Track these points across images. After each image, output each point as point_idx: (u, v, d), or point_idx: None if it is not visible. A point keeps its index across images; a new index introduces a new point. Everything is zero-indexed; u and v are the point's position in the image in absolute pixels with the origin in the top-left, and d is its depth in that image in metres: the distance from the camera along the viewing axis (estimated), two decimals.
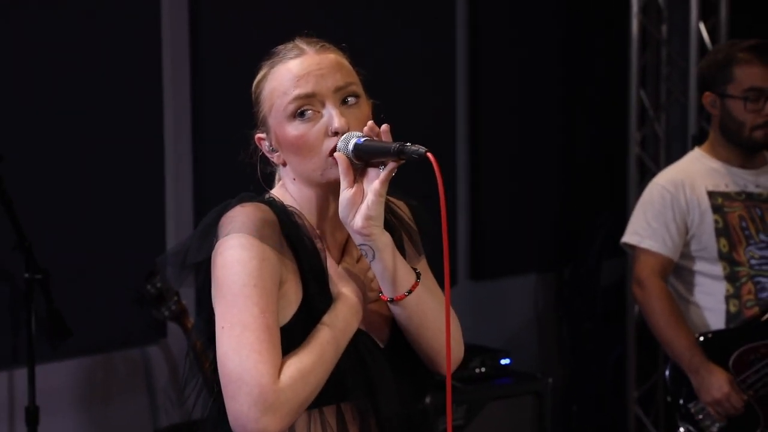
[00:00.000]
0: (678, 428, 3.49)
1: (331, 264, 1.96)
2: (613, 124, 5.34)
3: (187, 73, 4.14)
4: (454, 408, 4.16)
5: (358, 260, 2.00)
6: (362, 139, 1.91)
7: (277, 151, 1.98)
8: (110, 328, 3.93)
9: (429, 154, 1.86)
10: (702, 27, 5.11)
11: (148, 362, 4.08)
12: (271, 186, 2.07)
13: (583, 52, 5.41)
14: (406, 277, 1.97)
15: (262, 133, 2.00)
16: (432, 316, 1.99)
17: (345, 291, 1.95)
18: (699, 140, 4.95)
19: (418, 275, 1.99)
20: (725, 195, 3.53)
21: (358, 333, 1.95)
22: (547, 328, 5.38)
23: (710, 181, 3.55)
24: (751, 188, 3.56)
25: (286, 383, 1.81)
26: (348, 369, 1.91)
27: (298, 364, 1.83)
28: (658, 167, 5.23)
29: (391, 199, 2.08)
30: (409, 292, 1.97)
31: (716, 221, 3.50)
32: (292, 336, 1.87)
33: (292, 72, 1.95)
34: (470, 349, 4.40)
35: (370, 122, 1.93)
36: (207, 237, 1.91)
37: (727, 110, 3.51)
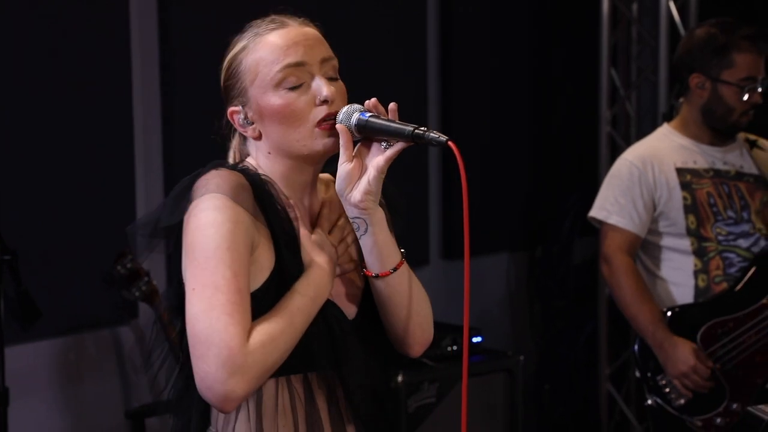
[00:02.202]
0: (646, 401, 3.52)
1: (303, 233, 1.96)
2: (583, 102, 5.35)
3: (155, 50, 4.11)
4: (425, 386, 4.17)
5: (329, 232, 2.01)
6: (368, 114, 1.93)
7: (252, 124, 1.98)
8: (80, 309, 3.91)
9: (451, 143, 1.88)
10: (672, 6, 5.11)
11: (118, 343, 4.07)
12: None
13: (554, 31, 5.42)
14: (393, 254, 1.99)
15: (237, 106, 1.99)
16: (412, 294, 2.02)
17: (318, 260, 1.95)
18: (669, 118, 4.98)
19: (403, 254, 2.01)
20: (694, 172, 3.55)
21: (327, 303, 1.96)
22: (519, 306, 5.40)
23: (679, 157, 3.57)
24: (719, 165, 3.57)
25: (255, 346, 1.81)
26: (315, 339, 1.92)
27: (267, 328, 1.84)
28: (629, 145, 5.20)
29: None
30: (395, 269, 1.99)
31: (685, 198, 3.52)
32: (263, 302, 1.88)
33: (280, 42, 1.95)
34: (442, 328, 4.42)
35: (374, 99, 1.94)
36: (179, 202, 1.90)
37: (717, 94, 3.50)
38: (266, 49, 1.95)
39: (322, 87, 1.94)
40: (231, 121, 2.00)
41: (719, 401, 3.43)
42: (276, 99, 1.94)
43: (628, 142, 5.26)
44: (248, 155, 2.04)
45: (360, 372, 1.97)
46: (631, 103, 5.35)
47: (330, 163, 2.00)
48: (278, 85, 1.94)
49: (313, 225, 2.02)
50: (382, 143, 1.93)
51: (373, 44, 4.60)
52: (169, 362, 2.04)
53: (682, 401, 3.43)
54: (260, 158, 2.00)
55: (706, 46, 3.52)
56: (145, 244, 1.95)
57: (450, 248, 5.06)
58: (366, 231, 1.96)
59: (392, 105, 1.94)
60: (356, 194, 1.93)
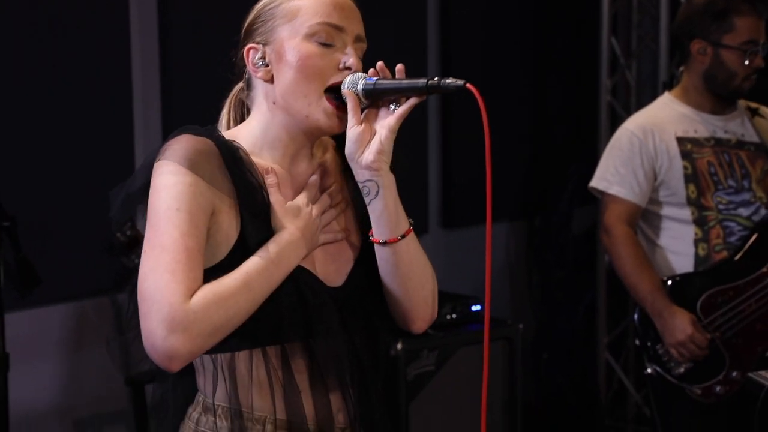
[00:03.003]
0: (646, 369, 3.52)
1: (277, 200, 1.93)
2: (584, 72, 5.33)
3: (154, 19, 4.09)
4: (424, 354, 4.18)
5: (315, 201, 1.98)
6: (374, 79, 1.92)
7: (267, 66, 1.96)
8: (80, 276, 3.91)
9: (470, 86, 1.87)
10: None
11: (119, 310, 4.07)
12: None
13: (554, 0, 5.39)
14: (402, 221, 1.97)
15: (257, 44, 1.97)
16: (417, 266, 2.00)
17: (289, 226, 1.92)
18: (670, 87, 4.97)
19: (411, 223, 1.99)
20: (694, 141, 3.54)
21: (303, 272, 1.93)
22: (518, 275, 5.41)
23: (679, 126, 3.56)
24: (720, 134, 3.57)
25: (198, 304, 1.79)
26: (286, 308, 1.90)
27: (215, 287, 1.82)
28: (629, 115, 5.19)
29: None
30: (403, 236, 1.96)
31: (685, 167, 3.51)
32: (228, 272, 1.85)
33: (331, 1, 1.95)
34: (441, 296, 4.36)
35: (381, 62, 1.93)
36: (148, 167, 1.90)
37: (719, 59, 3.50)
38: (317, 0, 1.95)
39: (351, 55, 1.94)
40: (245, 58, 1.98)
41: (719, 369, 3.44)
42: (304, 45, 1.92)
43: (628, 112, 5.25)
44: (248, 109, 2.02)
45: (336, 342, 1.94)
46: (631, 72, 5.34)
47: None
48: (312, 35, 1.93)
49: (298, 191, 1.99)
50: (391, 106, 1.93)
51: (371, 11, 4.57)
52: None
53: (682, 370, 3.44)
54: (262, 108, 1.97)
55: (705, 12, 3.52)
56: (120, 207, 1.96)
57: (449, 217, 5.06)
58: (377, 194, 1.93)
59: (399, 66, 1.93)
60: (368, 155, 1.91)
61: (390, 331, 2.07)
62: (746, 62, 3.46)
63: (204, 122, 2.02)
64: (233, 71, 2.05)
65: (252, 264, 1.86)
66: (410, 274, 1.99)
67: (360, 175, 1.94)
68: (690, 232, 3.52)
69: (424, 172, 4.96)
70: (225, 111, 2.07)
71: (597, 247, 5.24)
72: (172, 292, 1.78)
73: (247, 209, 1.90)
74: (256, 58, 1.97)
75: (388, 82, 1.92)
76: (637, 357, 5.22)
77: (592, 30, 5.18)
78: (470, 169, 5.11)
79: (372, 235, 1.98)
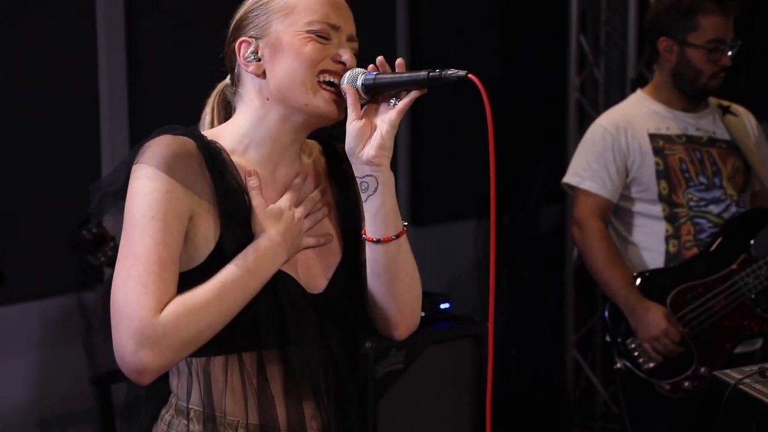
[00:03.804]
0: (615, 364, 3.53)
1: (259, 203, 1.91)
2: (552, 68, 5.33)
3: (121, 14, 4.06)
4: (393, 352, 4.17)
5: (298, 204, 1.96)
6: (374, 74, 1.91)
7: (259, 60, 1.94)
8: (45, 275, 3.88)
9: (471, 76, 1.86)
10: None
11: (84, 309, 4.03)
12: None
13: None
14: (397, 220, 1.95)
15: (250, 38, 1.94)
16: (407, 269, 1.98)
17: (270, 230, 1.90)
18: (638, 84, 4.98)
19: (405, 224, 1.97)
20: (666, 137, 3.56)
21: (284, 278, 1.91)
22: (486, 272, 5.38)
23: (652, 123, 3.57)
24: (692, 131, 3.58)
25: (168, 318, 1.77)
26: (263, 315, 1.87)
27: (187, 300, 1.79)
28: (598, 112, 5.24)
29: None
30: (397, 236, 1.94)
31: (657, 164, 3.52)
32: (207, 276, 1.83)
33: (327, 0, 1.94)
34: None
35: (381, 57, 1.92)
36: (126, 166, 1.88)
37: (685, 58, 3.51)
38: None
39: (347, 52, 1.93)
40: (236, 51, 1.96)
41: (688, 365, 3.44)
42: (301, 39, 1.91)
43: (597, 109, 5.27)
44: (234, 108, 1.99)
45: (313, 349, 1.91)
46: (599, 70, 5.35)
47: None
48: (308, 30, 1.91)
49: (282, 193, 1.96)
50: (391, 101, 1.91)
51: None
52: None
53: (651, 365, 3.45)
54: (253, 108, 1.95)
55: (672, 9, 3.53)
56: (97, 207, 1.93)
57: (419, 214, 5.05)
58: (375, 190, 1.91)
59: (399, 60, 1.92)
60: (369, 150, 1.90)
61: (370, 337, 2.04)
62: (712, 61, 3.47)
63: (172, 120, 2.00)
64: (219, 68, 2.02)
65: (227, 273, 1.83)
66: (399, 276, 1.96)
67: (360, 171, 1.92)
68: (661, 228, 3.53)
69: (393, 170, 4.94)
70: (209, 109, 2.04)
71: (565, 245, 5.25)
72: (142, 305, 1.76)
73: (227, 213, 1.87)
74: (248, 52, 1.94)
75: (388, 77, 1.91)
76: (604, 354, 5.24)
77: (560, 27, 5.19)
78: (439, 166, 5.12)
79: (365, 233, 1.95)
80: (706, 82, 3.51)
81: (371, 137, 1.90)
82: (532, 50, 5.42)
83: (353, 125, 1.90)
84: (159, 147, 1.83)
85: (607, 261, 3.50)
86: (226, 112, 2.03)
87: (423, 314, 4.26)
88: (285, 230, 1.91)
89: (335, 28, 1.93)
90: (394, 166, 5.25)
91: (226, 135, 1.95)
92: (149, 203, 1.80)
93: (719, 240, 3.48)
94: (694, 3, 3.48)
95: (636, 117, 3.58)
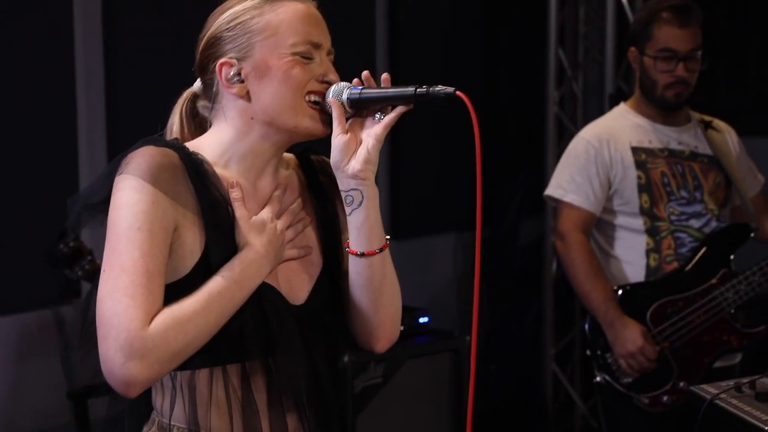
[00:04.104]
0: (595, 377, 3.53)
1: (242, 215, 1.90)
2: (531, 83, 5.35)
3: (98, 26, 4.05)
4: (371, 366, 4.15)
5: (279, 216, 1.96)
6: (359, 88, 1.91)
7: (242, 82, 1.92)
8: (22, 289, 3.85)
9: (459, 93, 1.86)
10: None
11: (61, 323, 4.01)
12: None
13: (502, 11, 5.40)
14: (380, 233, 1.95)
15: (231, 59, 1.93)
16: (389, 282, 1.98)
17: (254, 242, 1.89)
18: (616, 99, 4.99)
19: (387, 237, 1.97)
20: (648, 151, 3.57)
21: (267, 289, 1.91)
22: (466, 287, 5.40)
23: (634, 136, 3.58)
24: (674, 145, 3.60)
25: (156, 330, 1.76)
26: (248, 327, 1.87)
27: (175, 312, 1.78)
28: (576, 126, 5.26)
29: (323, 158, 2.05)
30: (380, 250, 1.94)
31: (639, 177, 3.54)
32: (192, 287, 1.83)
33: (304, 16, 1.94)
34: None
35: (366, 72, 1.92)
36: (108, 178, 1.87)
37: (644, 67, 3.56)
38: (292, 15, 1.93)
39: (331, 71, 1.94)
40: (218, 73, 1.94)
41: (667, 379, 3.45)
42: (286, 60, 1.90)
43: (575, 123, 5.28)
44: (209, 122, 1.98)
45: (297, 361, 1.91)
46: (578, 84, 5.37)
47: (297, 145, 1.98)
48: (293, 52, 1.91)
49: (263, 206, 1.96)
50: (376, 115, 1.91)
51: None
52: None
53: (630, 379, 3.45)
54: (235, 126, 1.94)
55: (637, 21, 3.63)
56: (76, 219, 1.92)
57: (398, 228, 5.05)
58: (360, 204, 1.91)
59: (385, 75, 1.92)
60: (355, 164, 1.90)
61: (352, 348, 2.05)
62: (664, 70, 3.49)
63: (150, 131, 1.99)
64: (192, 75, 2.02)
65: (214, 285, 1.83)
66: (382, 289, 1.97)
67: (345, 184, 1.92)
68: (642, 241, 3.53)
69: None
70: (176, 118, 2.03)
71: (544, 259, 5.25)
72: (130, 317, 1.75)
73: (211, 224, 1.87)
74: (231, 73, 1.93)
75: (373, 92, 1.91)
76: (583, 368, 5.24)
77: (539, 41, 5.20)
78: (419, 181, 5.12)
79: (348, 246, 1.96)
80: (661, 92, 3.54)
81: (356, 151, 1.91)
82: (511, 64, 5.43)
83: (338, 139, 1.90)
84: (143, 158, 1.83)
85: (588, 274, 3.51)
86: (195, 122, 2.02)
87: (402, 328, 4.28)
88: (268, 242, 1.91)
89: (317, 45, 1.93)
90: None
91: (206, 148, 1.94)
92: (135, 214, 1.79)
93: (699, 254, 3.49)
94: (651, 13, 3.54)
95: (619, 130, 3.59)
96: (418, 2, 5.05)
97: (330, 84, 1.92)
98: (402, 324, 4.35)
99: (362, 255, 1.94)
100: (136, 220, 1.79)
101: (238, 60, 1.92)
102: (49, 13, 3.90)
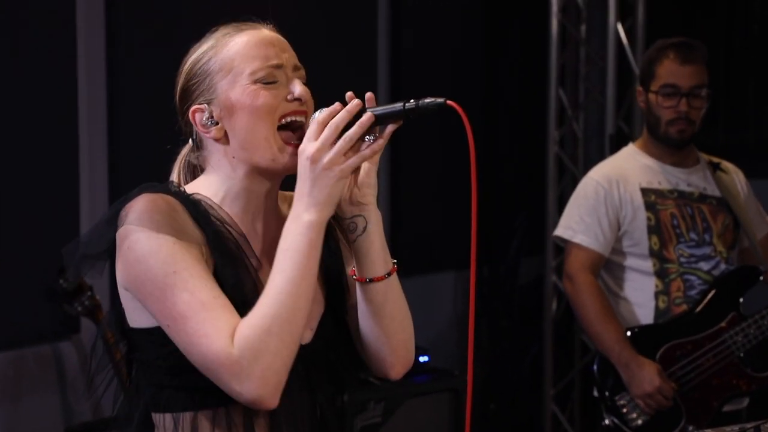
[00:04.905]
0: (603, 420, 3.50)
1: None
2: (531, 122, 5.36)
3: (102, 67, 4.06)
4: (371, 405, 4.14)
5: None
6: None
7: (217, 124, 1.91)
8: (21, 324, 3.84)
9: (451, 103, 1.84)
10: (620, 27, 5.15)
11: (60, 358, 3.99)
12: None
13: (503, 51, 5.43)
14: (387, 258, 1.93)
15: (201, 104, 1.92)
16: (400, 307, 1.96)
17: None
18: (617, 140, 5.01)
19: (395, 261, 1.95)
20: (658, 192, 3.57)
21: None
22: (466, 325, 5.37)
23: (644, 177, 3.58)
24: (683, 186, 3.59)
25: (241, 348, 1.75)
26: None
27: (247, 321, 1.77)
28: (576, 166, 5.27)
29: None
30: (388, 274, 1.92)
31: (648, 218, 3.53)
32: None
33: (257, 41, 1.91)
34: None
35: (350, 92, 1.88)
36: (108, 227, 1.86)
37: (649, 105, 3.58)
38: (243, 45, 1.91)
39: (296, 85, 1.91)
40: (192, 121, 1.93)
41: (676, 423, 3.42)
42: (250, 92, 1.88)
43: (576, 163, 5.29)
44: (201, 168, 1.98)
45: (301, 401, 1.90)
46: (578, 124, 5.37)
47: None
48: (254, 80, 1.89)
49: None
50: (366, 138, 1.87)
51: (321, 70, 4.57)
52: (114, 385, 1.99)
53: (639, 422, 3.43)
54: (221, 168, 1.93)
55: (643, 61, 3.68)
56: (75, 267, 1.89)
57: (398, 264, 5.03)
58: (364, 230, 1.89)
59: (368, 94, 1.89)
60: (355, 190, 1.88)
61: (358, 384, 2.03)
62: (667, 106, 3.51)
63: (151, 166, 1.99)
64: (181, 133, 2.00)
65: (272, 284, 1.80)
66: (393, 314, 1.94)
67: (347, 212, 1.90)
68: (651, 283, 3.52)
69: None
70: (175, 175, 2.02)
71: (544, 298, 5.24)
72: (215, 353, 1.76)
73: (218, 251, 1.86)
74: (204, 118, 1.92)
75: (377, 111, 1.86)
76: (582, 409, 5.22)
77: (540, 81, 5.22)
78: (418, 218, 5.12)
79: (355, 274, 1.93)
80: (665, 129, 3.55)
81: (354, 176, 1.88)
82: (511, 104, 5.45)
83: None
84: (145, 206, 1.82)
85: (600, 315, 3.49)
86: (193, 175, 2.01)
87: None
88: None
89: (278, 67, 1.91)
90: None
91: (201, 190, 1.93)
92: (164, 260, 1.79)
93: (708, 297, 3.48)
94: (655, 51, 3.58)
95: (628, 171, 3.59)
96: (418, 41, 5.07)
97: (300, 100, 1.89)
98: None
99: (370, 281, 1.92)
100: (167, 265, 1.79)
101: (207, 103, 1.91)
102: (52, 35, 3.91)
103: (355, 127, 1.84)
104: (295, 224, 1.83)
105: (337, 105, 1.87)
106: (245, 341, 1.76)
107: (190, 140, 1.99)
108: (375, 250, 1.91)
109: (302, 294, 1.81)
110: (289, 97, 1.90)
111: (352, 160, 1.84)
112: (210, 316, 1.77)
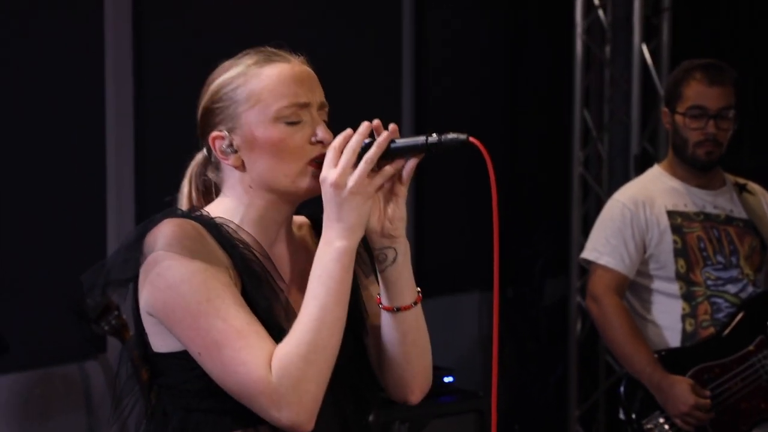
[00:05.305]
0: None
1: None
2: (556, 143, 5.36)
3: (130, 83, 4.09)
4: (396, 426, 4.14)
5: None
6: (366, 142, 1.86)
7: (236, 152, 1.91)
8: (48, 343, 3.86)
9: (473, 140, 1.85)
10: (644, 49, 5.16)
11: (86, 378, 4.01)
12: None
13: (528, 72, 5.44)
14: (413, 286, 1.95)
15: (221, 131, 1.92)
16: (423, 334, 1.98)
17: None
18: (641, 160, 5.00)
19: (419, 290, 1.97)
20: (684, 215, 3.55)
21: None
22: (490, 346, 5.38)
23: (670, 200, 3.56)
24: (710, 209, 3.57)
25: (279, 376, 1.76)
26: None
27: (284, 348, 1.78)
28: (601, 187, 5.27)
29: None
30: (415, 303, 1.95)
31: (675, 241, 3.51)
32: None
33: (286, 77, 1.90)
34: None
35: (377, 121, 1.88)
36: (131, 254, 1.85)
37: (675, 126, 3.55)
38: (272, 80, 1.90)
39: (320, 129, 1.90)
40: (211, 146, 1.93)
41: None
42: (274, 131, 1.88)
43: (600, 183, 5.29)
44: (216, 186, 1.98)
45: (327, 420, 1.89)
46: (603, 145, 5.38)
47: (306, 205, 1.97)
48: (278, 118, 1.89)
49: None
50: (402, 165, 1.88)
51: (345, 92, 4.60)
52: (140, 407, 1.99)
53: None
54: (237, 191, 1.93)
55: (669, 82, 3.66)
56: (97, 293, 1.89)
57: (421, 286, 5.03)
58: (394, 260, 1.91)
59: (392, 126, 1.89)
60: (387, 223, 1.89)
61: (379, 405, 2.03)
62: (695, 128, 3.49)
63: (178, 182, 2.00)
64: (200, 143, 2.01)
65: (306, 309, 1.81)
66: (417, 341, 1.96)
67: (377, 244, 1.91)
68: (678, 306, 3.50)
69: None
70: (185, 184, 2.01)
71: (569, 319, 5.23)
72: (254, 381, 1.77)
73: (246, 276, 1.87)
74: (224, 145, 1.92)
75: (398, 143, 1.86)
76: (607, 430, 5.20)
77: (565, 102, 5.22)
78: (442, 239, 5.12)
79: (381, 303, 1.94)
80: (692, 150, 3.52)
81: (384, 209, 1.89)
82: (536, 124, 5.45)
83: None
84: (172, 231, 1.83)
85: (629, 337, 3.46)
86: (205, 187, 2.01)
87: None
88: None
89: (305, 105, 1.91)
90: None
91: (220, 213, 1.93)
92: (196, 287, 1.80)
93: (736, 320, 3.45)
94: (682, 72, 3.56)
95: (654, 193, 3.57)
96: (443, 63, 5.09)
97: (323, 143, 1.89)
98: None
99: (398, 310, 1.93)
100: (199, 293, 1.80)
101: (229, 131, 1.91)
102: (80, 62, 3.95)
103: (374, 147, 1.85)
104: (327, 250, 1.84)
105: (349, 131, 1.87)
106: (283, 369, 1.77)
107: (203, 153, 1.99)
108: (403, 280, 1.93)
109: (336, 320, 1.82)
110: (313, 139, 1.90)
111: (376, 180, 1.85)
112: (246, 344, 1.78)
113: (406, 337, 1.95)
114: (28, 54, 3.81)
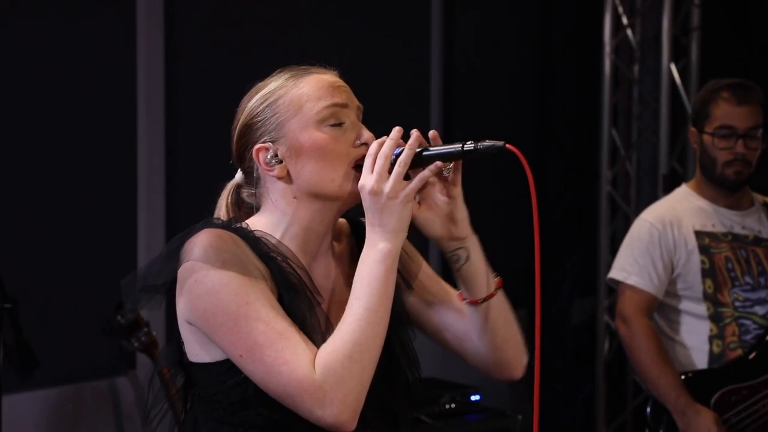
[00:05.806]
0: None
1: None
2: (584, 162, 5.36)
3: (161, 98, 4.12)
4: None
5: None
6: (398, 150, 1.89)
7: (281, 162, 1.94)
8: (78, 359, 3.89)
9: (510, 147, 1.90)
10: (673, 68, 5.16)
11: (116, 393, 4.04)
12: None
13: (556, 91, 5.45)
14: (490, 275, 2.02)
15: (265, 143, 1.95)
16: (510, 312, 2.06)
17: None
18: (670, 180, 4.99)
19: (496, 274, 2.03)
20: (712, 235, 3.53)
21: None
22: None
23: (697, 220, 3.55)
24: (738, 229, 3.56)
25: (323, 373, 1.79)
26: None
27: (328, 347, 1.81)
28: (629, 205, 5.26)
29: None
30: (497, 288, 2.02)
31: (703, 262, 3.50)
32: None
33: (327, 81, 1.96)
34: (440, 385, 4.40)
35: (416, 131, 1.92)
36: (169, 261, 1.88)
37: (703, 146, 3.54)
38: (312, 85, 1.95)
39: (363, 130, 1.95)
40: (255, 159, 1.95)
41: None
42: (320, 134, 1.92)
43: (628, 202, 5.28)
44: (255, 206, 2.00)
45: (375, 420, 1.94)
46: (631, 164, 5.38)
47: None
48: (322, 121, 1.93)
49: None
50: (445, 172, 1.94)
51: (374, 100, 4.61)
52: (169, 419, 2.02)
53: None
54: (280, 206, 1.95)
55: (696, 102, 3.65)
56: (134, 299, 1.92)
57: None
58: (467, 259, 1.98)
59: (432, 132, 1.94)
60: (453, 226, 1.96)
61: (410, 421, 2.06)
62: (723, 148, 3.48)
63: (209, 210, 2.03)
64: (232, 167, 2.03)
65: (350, 310, 1.85)
66: (508, 321, 2.05)
67: (448, 247, 1.98)
68: (705, 327, 3.48)
69: (424, 252, 4.95)
70: (222, 212, 2.03)
71: (596, 339, 5.22)
72: (298, 380, 1.79)
73: (283, 288, 1.89)
74: (269, 157, 1.94)
75: (434, 150, 1.91)
76: None
77: (593, 121, 5.23)
78: None
79: (465, 298, 2.00)
80: (721, 170, 3.52)
81: (448, 212, 1.95)
82: (564, 143, 5.46)
83: (425, 213, 1.95)
84: (210, 241, 1.85)
85: (656, 360, 3.44)
86: (242, 211, 2.03)
87: (453, 406, 4.28)
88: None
89: (344, 106, 1.95)
90: (424, 256, 5.28)
91: (260, 227, 1.95)
92: (236, 292, 1.82)
93: (764, 342, 3.44)
94: (710, 92, 3.55)
95: (682, 213, 3.56)
96: (471, 82, 5.10)
97: (367, 145, 1.92)
98: (454, 402, 4.39)
99: (484, 300, 2.00)
100: (240, 296, 1.82)
101: (273, 142, 1.94)
102: (112, 86, 3.99)
103: (406, 150, 1.89)
104: (371, 252, 1.88)
105: (383, 137, 1.92)
106: (328, 367, 1.80)
107: (238, 176, 2.02)
108: (480, 274, 2.00)
109: (380, 320, 1.85)
110: (357, 142, 1.94)
111: (414, 183, 1.89)
112: (289, 344, 1.81)
113: (498, 321, 2.02)
114: (60, 65, 3.85)
